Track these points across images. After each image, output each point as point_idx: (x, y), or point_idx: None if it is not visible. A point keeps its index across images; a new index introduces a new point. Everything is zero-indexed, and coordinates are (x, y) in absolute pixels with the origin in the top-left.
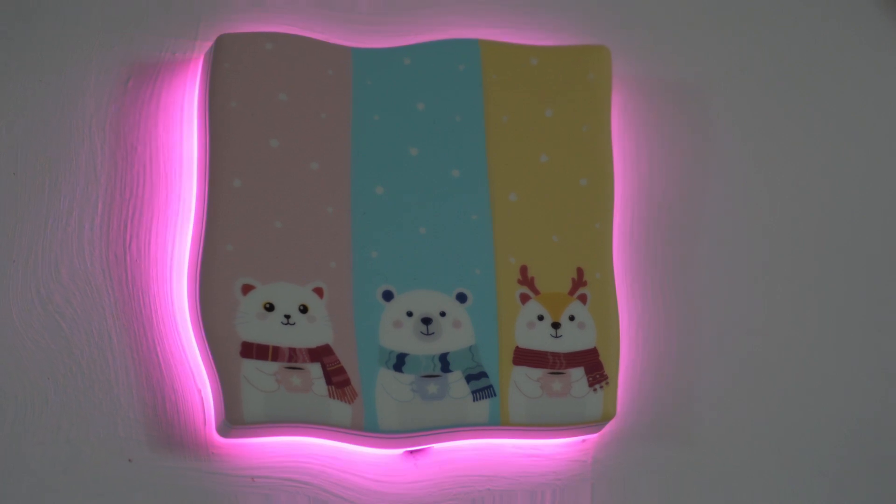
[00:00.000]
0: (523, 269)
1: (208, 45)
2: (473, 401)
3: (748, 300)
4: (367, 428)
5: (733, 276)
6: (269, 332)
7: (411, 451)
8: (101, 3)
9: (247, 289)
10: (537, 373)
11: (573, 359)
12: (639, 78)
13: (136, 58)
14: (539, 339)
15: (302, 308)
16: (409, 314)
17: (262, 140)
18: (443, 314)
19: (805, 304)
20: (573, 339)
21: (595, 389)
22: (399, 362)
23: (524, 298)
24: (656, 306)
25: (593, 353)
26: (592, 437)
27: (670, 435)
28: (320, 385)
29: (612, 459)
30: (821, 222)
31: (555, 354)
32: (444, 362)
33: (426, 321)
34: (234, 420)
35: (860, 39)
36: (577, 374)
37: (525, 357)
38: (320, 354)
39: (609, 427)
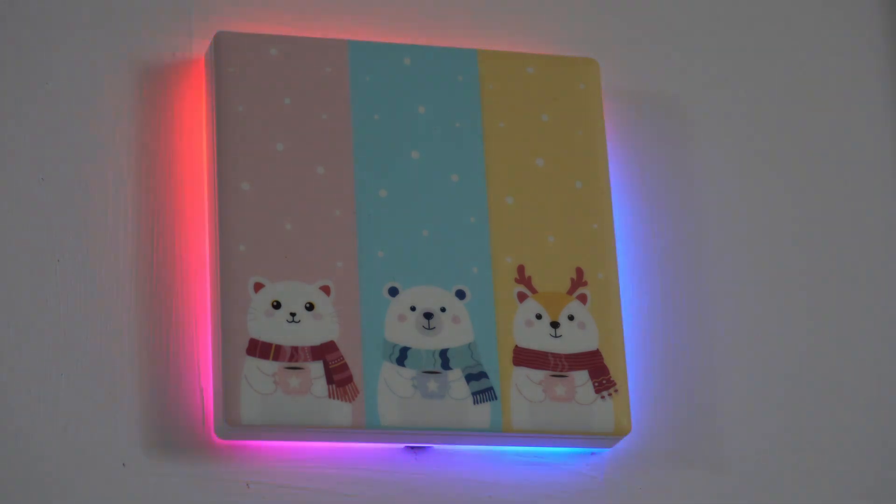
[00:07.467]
0: (520, 269)
1: (206, 41)
2: (474, 403)
3: (762, 304)
4: (368, 425)
5: (742, 279)
6: (274, 329)
7: (412, 447)
8: (90, 3)
9: (258, 287)
10: (539, 375)
11: (575, 361)
12: (628, 88)
13: (141, 60)
14: (538, 338)
15: (308, 306)
16: (413, 308)
17: (268, 144)
18: (443, 310)
19: (823, 305)
20: (574, 340)
21: (603, 397)
22: (402, 356)
23: (521, 297)
24: (666, 309)
25: (596, 355)
26: (604, 453)
27: (694, 457)
28: (320, 385)
29: (627, 480)
30: (825, 220)
31: (556, 356)
32: (445, 358)
33: (428, 316)
34: (232, 421)
35: (843, 51)
36: (581, 377)
37: (525, 357)
38: (323, 352)
39: (623, 443)
